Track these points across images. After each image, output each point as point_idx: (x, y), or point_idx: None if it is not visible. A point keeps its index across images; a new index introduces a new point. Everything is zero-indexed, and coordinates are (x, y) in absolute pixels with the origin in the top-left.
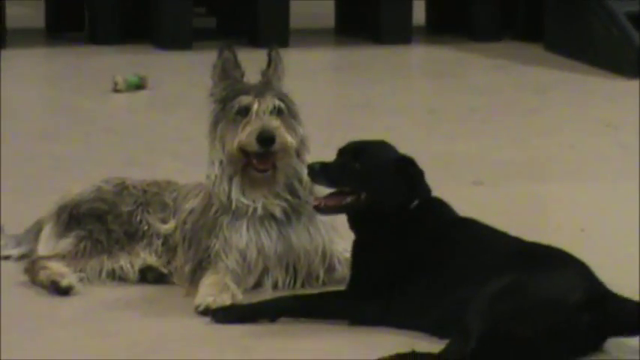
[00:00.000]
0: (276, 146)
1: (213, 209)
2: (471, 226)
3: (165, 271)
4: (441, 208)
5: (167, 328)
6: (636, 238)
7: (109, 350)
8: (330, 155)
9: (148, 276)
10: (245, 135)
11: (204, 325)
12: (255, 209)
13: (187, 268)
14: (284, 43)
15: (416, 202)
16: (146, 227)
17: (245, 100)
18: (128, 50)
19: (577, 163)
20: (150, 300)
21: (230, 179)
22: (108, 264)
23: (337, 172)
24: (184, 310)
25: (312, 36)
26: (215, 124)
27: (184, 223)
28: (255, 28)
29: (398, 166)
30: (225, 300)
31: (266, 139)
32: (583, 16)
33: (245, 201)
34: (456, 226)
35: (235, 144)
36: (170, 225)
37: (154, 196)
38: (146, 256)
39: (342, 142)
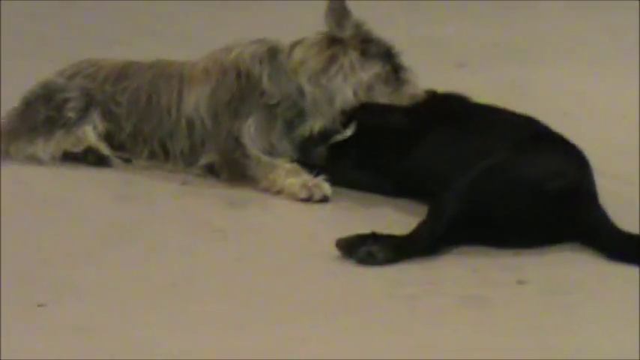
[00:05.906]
0: None
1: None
2: (489, 110)
3: (106, 153)
4: (459, 97)
5: (142, 211)
6: (619, 122)
7: (83, 232)
8: None
9: (89, 158)
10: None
11: (179, 208)
12: None
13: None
14: None
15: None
16: (73, 114)
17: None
18: None
19: (562, 47)
20: (125, 182)
21: None
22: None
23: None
24: (159, 193)
25: None
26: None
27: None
28: None
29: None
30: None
31: None
32: None
33: None
34: (473, 109)
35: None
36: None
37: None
38: (87, 138)
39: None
